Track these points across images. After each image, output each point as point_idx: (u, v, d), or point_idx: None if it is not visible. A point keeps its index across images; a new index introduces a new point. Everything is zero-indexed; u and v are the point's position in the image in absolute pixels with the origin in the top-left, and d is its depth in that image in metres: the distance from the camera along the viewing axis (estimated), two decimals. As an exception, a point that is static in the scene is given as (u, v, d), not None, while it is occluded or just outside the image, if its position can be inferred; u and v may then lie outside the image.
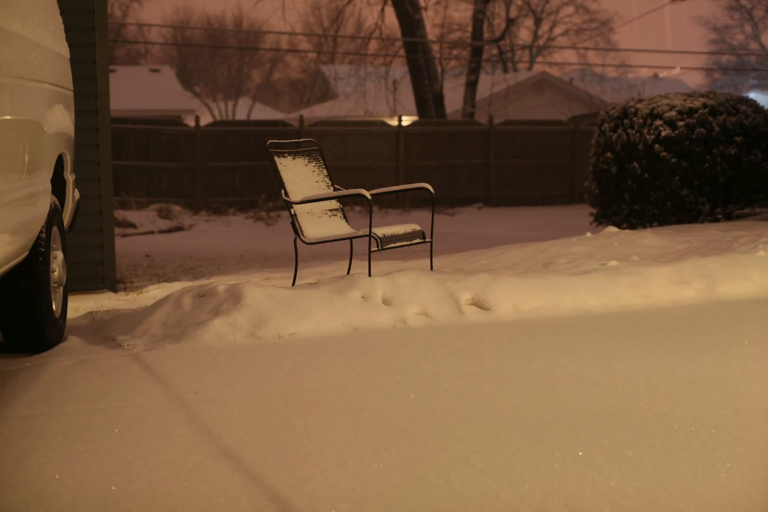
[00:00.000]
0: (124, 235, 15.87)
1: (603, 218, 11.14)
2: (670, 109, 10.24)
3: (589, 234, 8.46)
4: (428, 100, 24.57)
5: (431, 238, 5.79)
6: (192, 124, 21.43)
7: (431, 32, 31.91)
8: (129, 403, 3.68)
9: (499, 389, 3.74)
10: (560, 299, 5.24)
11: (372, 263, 5.72)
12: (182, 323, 4.94)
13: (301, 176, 5.95)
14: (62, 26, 5.67)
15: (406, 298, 5.07)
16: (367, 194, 5.51)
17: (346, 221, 6.06)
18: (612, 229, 8.79)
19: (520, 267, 6.33)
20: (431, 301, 5.07)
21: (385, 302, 5.07)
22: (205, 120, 32.79)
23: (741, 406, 3.45)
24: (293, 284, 5.92)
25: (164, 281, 9.07)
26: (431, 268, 5.87)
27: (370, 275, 5.32)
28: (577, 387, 3.74)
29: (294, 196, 5.78)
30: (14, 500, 2.78)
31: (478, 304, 5.15)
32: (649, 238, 7.56)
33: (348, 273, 5.96)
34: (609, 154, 10.79)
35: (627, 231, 8.63)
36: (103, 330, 5.35)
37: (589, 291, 5.33)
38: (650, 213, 10.39)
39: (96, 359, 4.50)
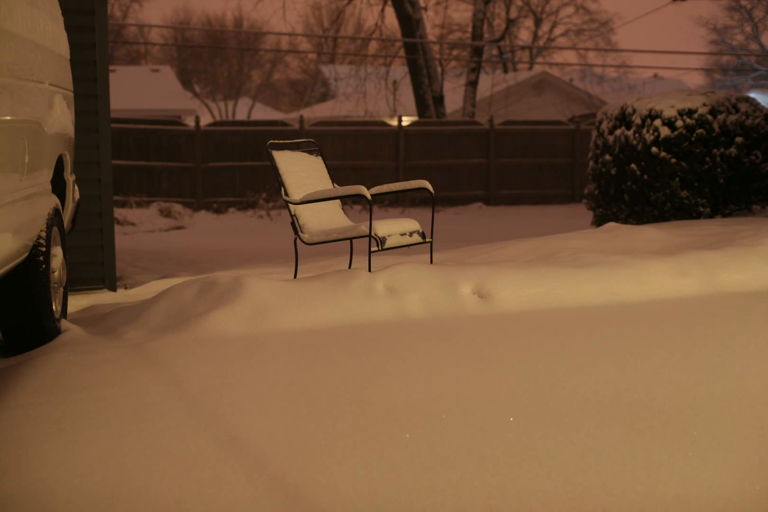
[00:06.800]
0: (125, 234, 15.90)
1: (603, 221, 11.10)
2: (669, 109, 10.21)
3: (589, 230, 8.45)
4: (428, 100, 24.58)
5: (431, 237, 5.79)
6: (192, 124, 21.44)
7: (431, 32, 31.91)
8: (130, 392, 3.67)
9: (501, 379, 3.74)
10: (561, 290, 5.24)
11: (371, 259, 5.72)
12: (183, 314, 4.92)
13: (301, 176, 5.95)
14: (63, 26, 5.68)
15: (406, 289, 5.06)
16: (367, 193, 5.49)
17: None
18: (612, 224, 8.75)
19: (521, 260, 6.33)
20: (432, 292, 5.07)
21: (386, 293, 5.06)
22: (205, 120, 32.79)
23: (741, 395, 3.46)
24: (295, 277, 5.92)
25: (165, 277, 9.05)
26: (431, 262, 5.88)
27: (370, 271, 5.32)
28: (579, 376, 3.74)
29: (294, 196, 5.78)
30: (13, 486, 2.78)
31: (480, 295, 5.15)
32: (649, 232, 7.53)
33: (349, 268, 5.96)
34: (608, 156, 10.76)
35: (627, 225, 8.60)
36: (105, 322, 5.33)
37: (589, 283, 5.33)
38: (650, 214, 10.37)
39: (97, 350, 4.49)
